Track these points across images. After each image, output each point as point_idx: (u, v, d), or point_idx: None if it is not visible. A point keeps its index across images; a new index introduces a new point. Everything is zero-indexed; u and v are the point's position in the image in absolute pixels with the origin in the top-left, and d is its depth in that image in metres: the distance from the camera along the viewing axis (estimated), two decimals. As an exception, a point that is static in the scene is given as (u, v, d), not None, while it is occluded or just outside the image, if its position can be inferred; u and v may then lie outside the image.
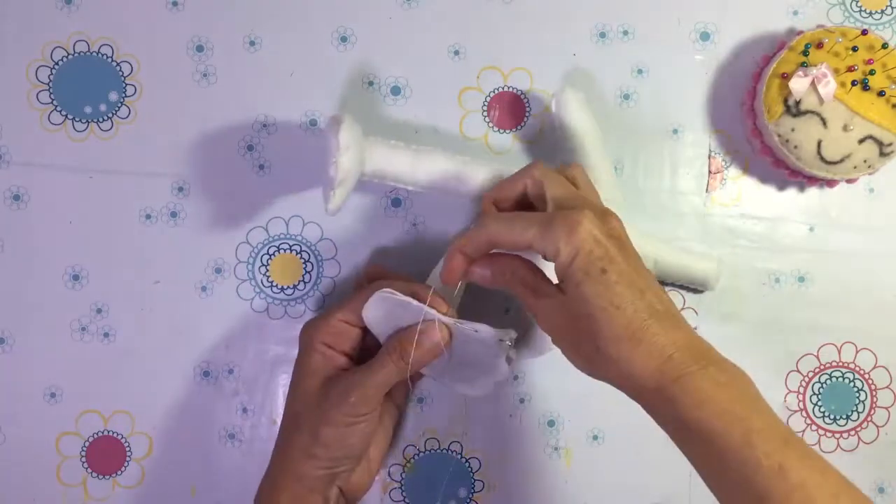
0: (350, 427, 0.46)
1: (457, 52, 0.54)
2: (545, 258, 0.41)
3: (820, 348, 0.55)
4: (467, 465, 0.55)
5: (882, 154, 0.50)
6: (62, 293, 0.55)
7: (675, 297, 0.55)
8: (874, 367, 0.55)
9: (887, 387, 0.56)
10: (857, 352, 0.55)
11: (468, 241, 0.43)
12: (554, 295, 0.41)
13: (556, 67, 0.54)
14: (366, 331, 0.49)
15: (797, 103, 0.49)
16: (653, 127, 0.55)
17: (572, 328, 0.41)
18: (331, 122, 0.47)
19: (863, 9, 0.55)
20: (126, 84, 0.55)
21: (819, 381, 0.55)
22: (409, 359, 0.45)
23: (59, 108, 0.54)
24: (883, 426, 0.56)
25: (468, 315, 0.47)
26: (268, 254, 0.55)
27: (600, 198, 0.48)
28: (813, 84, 0.49)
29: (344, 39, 0.55)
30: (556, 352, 0.55)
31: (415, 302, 0.45)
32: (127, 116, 0.55)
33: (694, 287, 0.54)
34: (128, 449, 0.55)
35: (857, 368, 0.55)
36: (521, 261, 0.44)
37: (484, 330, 0.46)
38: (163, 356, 0.55)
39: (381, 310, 0.47)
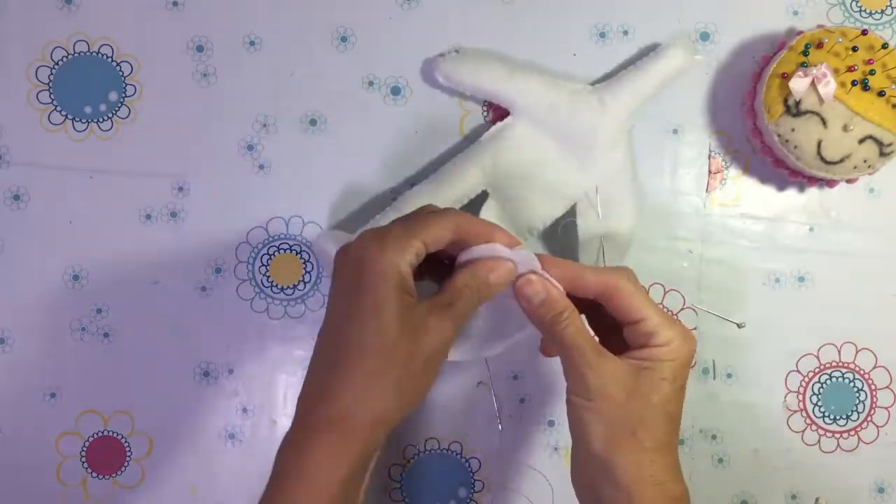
0: (438, 366, 0.41)
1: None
2: (637, 336, 0.43)
3: (820, 348, 0.55)
4: (467, 465, 0.55)
5: (882, 154, 0.50)
6: (62, 293, 0.55)
7: (675, 297, 0.55)
8: (874, 367, 0.55)
9: (887, 387, 0.55)
10: (857, 352, 0.55)
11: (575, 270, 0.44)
12: (621, 362, 0.42)
13: (557, 67, 0.54)
14: None
15: (797, 103, 0.49)
16: (653, 127, 0.55)
17: (621, 403, 0.42)
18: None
19: (863, 9, 0.55)
20: (126, 84, 0.55)
21: (819, 381, 0.55)
22: (484, 293, 0.42)
23: (59, 108, 0.54)
24: (883, 426, 0.56)
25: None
26: (268, 254, 0.55)
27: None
28: (813, 84, 0.48)
29: (344, 39, 0.55)
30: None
31: (522, 253, 0.43)
32: (127, 116, 0.55)
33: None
34: (128, 449, 0.55)
35: (857, 368, 0.55)
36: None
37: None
38: (163, 356, 0.55)
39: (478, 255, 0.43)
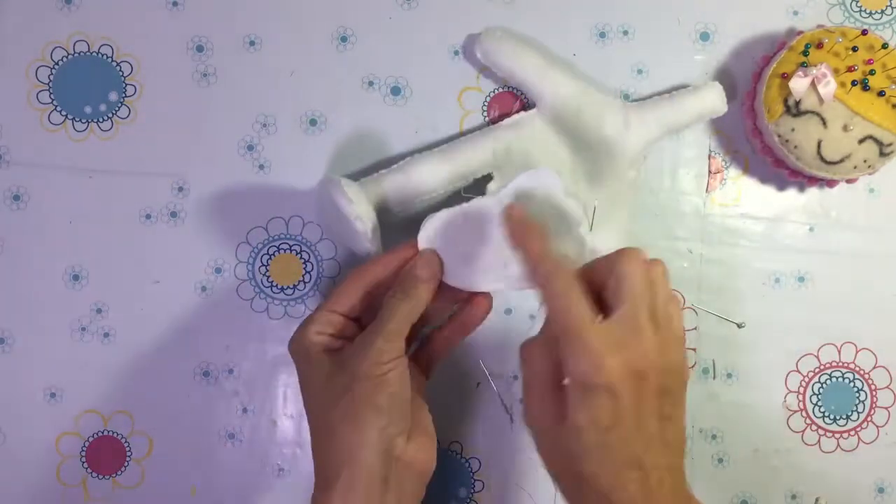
0: (383, 377, 0.42)
1: (457, 52, 0.54)
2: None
3: (820, 348, 0.55)
4: (467, 465, 0.55)
5: (882, 154, 0.50)
6: (62, 293, 0.55)
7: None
8: (874, 367, 0.55)
9: (887, 387, 0.56)
10: (857, 352, 0.55)
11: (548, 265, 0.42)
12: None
13: (556, 67, 0.54)
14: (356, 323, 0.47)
15: (797, 103, 0.49)
16: (653, 127, 0.55)
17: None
18: (325, 186, 0.48)
19: (863, 9, 0.55)
20: (126, 84, 0.55)
21: (819, 381, 0.55)
22: (413, 292, 0.44)
23: (59, 108, 0.54)
24: (883, 426, 0.56)
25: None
26: (268, 254, 0.55)
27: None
28: (813, 84, 0.49)
29: (344, 39, 0.55)
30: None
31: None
32: (127, 116, 0.55)
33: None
34: (128, 449, 0.55)
35: (857, 368, 0.55)
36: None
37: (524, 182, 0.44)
38: (163, 356, 0.55)
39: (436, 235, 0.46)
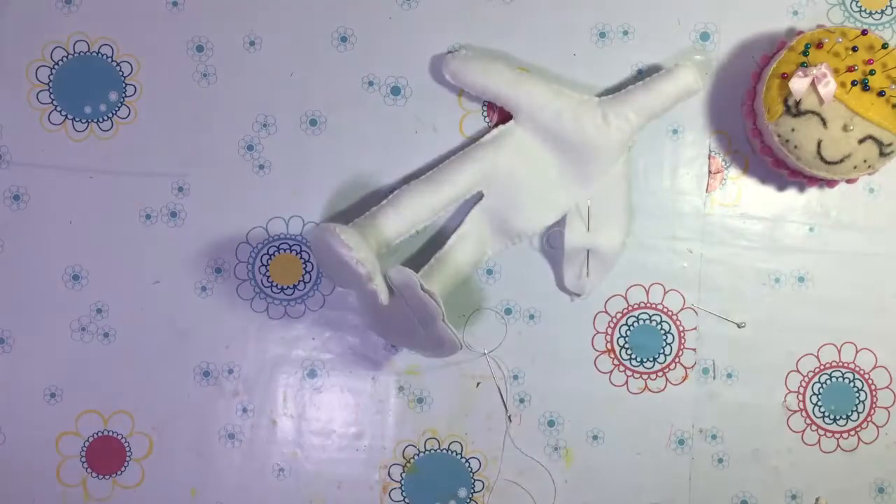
0: None
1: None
2: None
3: (820, 348, 0.55)
4: (467, 465, 0.55)
5: (882, 154, 0.50)
6: (62, 293, 0.55)
7: (675, 297, 0.55)
8: (874, 367, 0.55)
9: (887, 387, 0.56)
10: (857, 352, 0.55)
11: None
12: None
13: (557, 68, 0.54)
14: None
15: (797, 103, 0.49)
16: (653, 127, 0.54)
17: None
18: (321, 235, 0.48)
19: (863, 9, 0.55)
20: (126, 84, 0.55)
21: (819, 381, 0.55)
22: None
23: (59, 108, 0.54)
24: (883, 426, 0.56)
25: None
26: (268, 254, 0.55)
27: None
28: (813, 84, 0.48)
29: (344, 39, 0.55)
30: (555, 353, 0.55)
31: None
32: (127, 116, 0.55)
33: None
34: (128, 449, 0.55)
35: (857, 368, 0.55)
36: None
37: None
38: (163, 356, 0.55)
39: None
